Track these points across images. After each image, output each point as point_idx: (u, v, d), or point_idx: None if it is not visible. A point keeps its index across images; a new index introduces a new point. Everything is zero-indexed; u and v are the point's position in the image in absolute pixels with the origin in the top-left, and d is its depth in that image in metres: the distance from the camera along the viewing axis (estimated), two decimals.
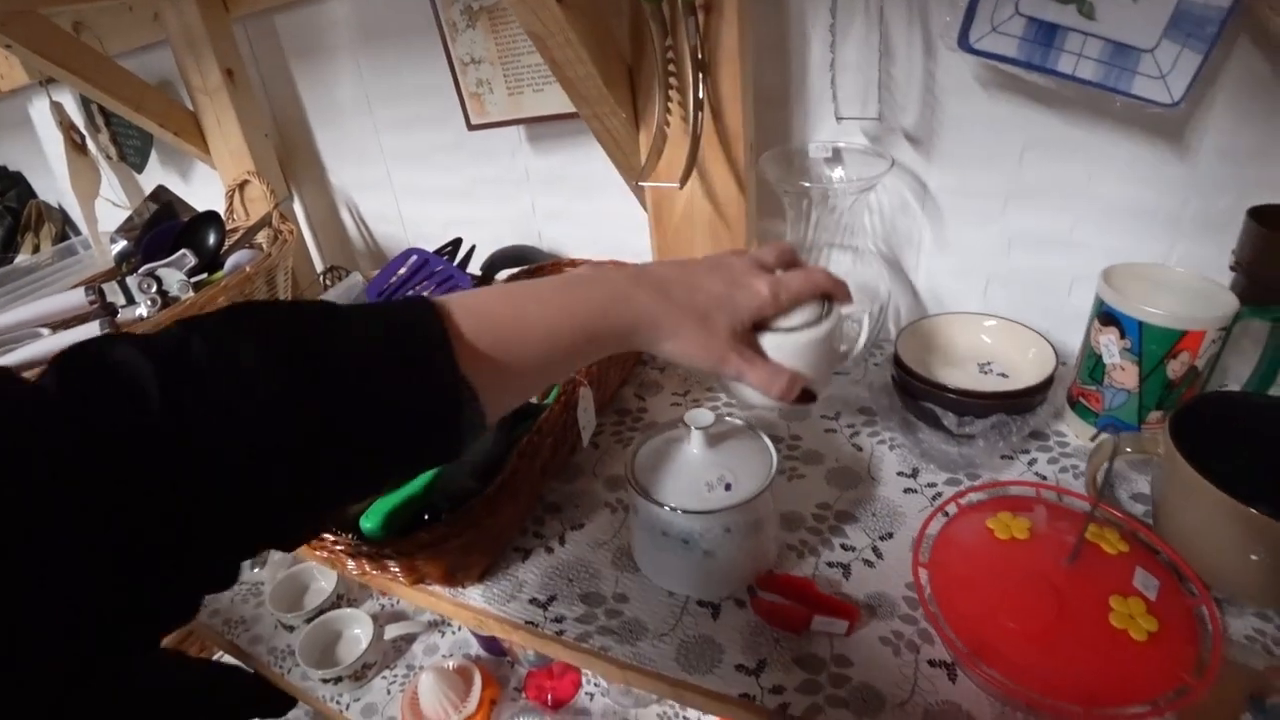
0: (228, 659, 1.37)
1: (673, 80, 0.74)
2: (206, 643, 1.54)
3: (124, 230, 1.15)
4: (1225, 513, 0.51)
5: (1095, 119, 0.74)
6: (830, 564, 0.62)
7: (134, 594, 0.32)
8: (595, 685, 1.16)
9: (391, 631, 1.29)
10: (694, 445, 0.58)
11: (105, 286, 0.92)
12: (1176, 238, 0.76)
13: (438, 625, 1.30)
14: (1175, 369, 0.65)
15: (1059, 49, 0.68)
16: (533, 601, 0.62)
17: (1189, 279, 0.68)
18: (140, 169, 1.33)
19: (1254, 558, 0.52)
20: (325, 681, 1.18)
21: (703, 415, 0.58)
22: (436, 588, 0.65)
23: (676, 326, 0.47)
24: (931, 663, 0.54)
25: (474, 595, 0.64)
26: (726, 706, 0.53)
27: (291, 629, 1.30)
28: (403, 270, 0.94)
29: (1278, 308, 0.63)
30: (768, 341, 0.54)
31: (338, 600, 1.33)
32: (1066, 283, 0.82)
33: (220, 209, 1.07)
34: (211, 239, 1.01)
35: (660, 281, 0.48)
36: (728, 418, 0.63)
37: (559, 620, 0.60)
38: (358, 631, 1.27)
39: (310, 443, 0.36)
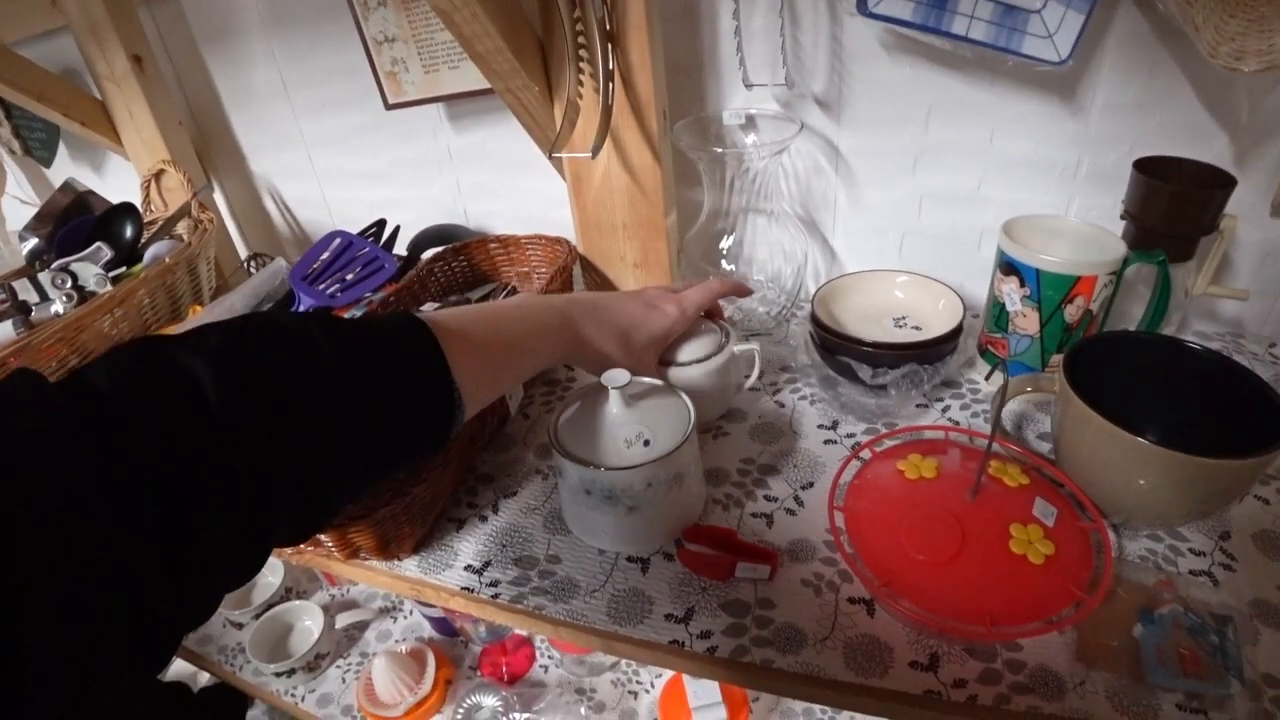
0: (178, 663, 1.35)
1: (583, 52, 0.75)
2: None
3: (33, 227, 1.11)
4: (1114, 442, 0.55)
5: (993, 80, 0.77)
6: (754, 515, 0.64)
7: (177, 587, 0.33)
8: (550, 658, 1.17)
9: (343, 620, 1.29)
10: (612, 405, 0.60)
11: (16, 284, 0.89)
12: (1074, 191, 0.80)
13: (389, 611, 1.30)
14: (1072, 313, 0.68)
15: (952, 11, 0.70)
16: (467, 568, 0.63)
17: (1082, 228, 0.72)
18: (48, 163, 1.28)
19: (1142, 483, 0.56)
20: (279, 675, 1.17)
21: (618, 375, 0.60)
22: (373, 561, 0.65)
23: (602, 344, 0.61)
24: (851, 600, 0.57)
25: (410, 566, 0.65)
26: (657, 654, 0.55)
27: (240, 626, 1.29)
28: (326, 254, 0.93)
29: (1160, 251, 0.67)
30: (672, 373, 0.69)
31: (286, 593, 1.32)
32: (976, 237, 0.85)
33: (136, 201, 1.04)
34: (129, 232, 0.99)
35: (590, 306, 0.61)
36: (639, 379, 0.64)
37: (494, 585, 0.61)
38: (308, 623, 1.26)
39: (344, 446, 0.40)
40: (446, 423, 0.48)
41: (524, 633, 1.19)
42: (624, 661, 1.13)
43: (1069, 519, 0.56)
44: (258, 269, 0.99)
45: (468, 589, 0.62)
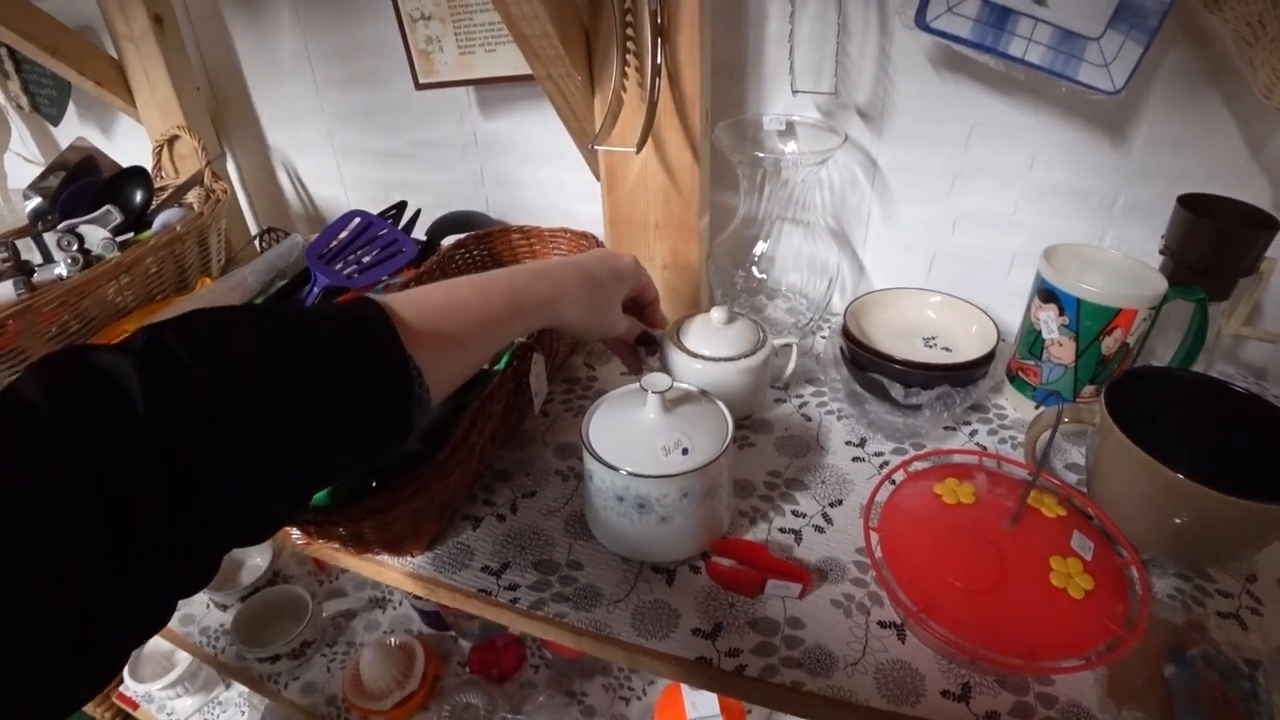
0: (156, 640, 1.32)
1: (630, 44, 0.73)
2: None
3: (38, 186, 1.07)
4: (1154, 477, 0.54)
5: (1038, 104, 0.76)
6: (782, 530, 0.63)
7: (123, 597, 0.32)
8: (540, 658, 1.16)
9: (330, 608, 1.26)
10: (650, 410, 0.58)
11: (20, 243, 0.86)
12: (1109, 222, 0.80)
13: (378, 601, 1.28)
14: (1109, 345, 0.68)
15: (1010, 32, 0.69)
16: (485, 569, 0.62)
17: (1122, 260, 0.72)
18: (56, 121, 1.24)
19: (1177, 521, 0.55)
20: (262, 660, 1.14)
21: (660, 379, 0.58)
22: (385, 557, 0.63)
23: (572, 289, 0.58)
24: (881, 624, 0.56)
25: (423, 564, 0.63)
26: (684, 670, 0.54)
27: (225, 608, 1.26)
28: (344, 233, 0.91)
29: (1200, 289, 0.67)
30: (712, 368, 0.68)
31: (273, 577, 1.29)
32: (1006, 261, 0.84)
33: (147, 165, 1.01)
34: (138, 197, 0.96)
35: (546, 263, 0.59)
36: (680, 384, 0.63)
37: (513, 588, 0.60)
38: (295, 608, 1.23)
39: (283, 432, 0.38)
40: (403, 404, 0.44)
41: (516, 632, 1.18)
42: (616, 666, 1.12)
43: (1104, 553, 0.55)
44: (270, 244, 0.96)
45: (485, 591, 0.60)
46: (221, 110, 1.18)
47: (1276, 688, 0.50)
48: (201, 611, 1.27)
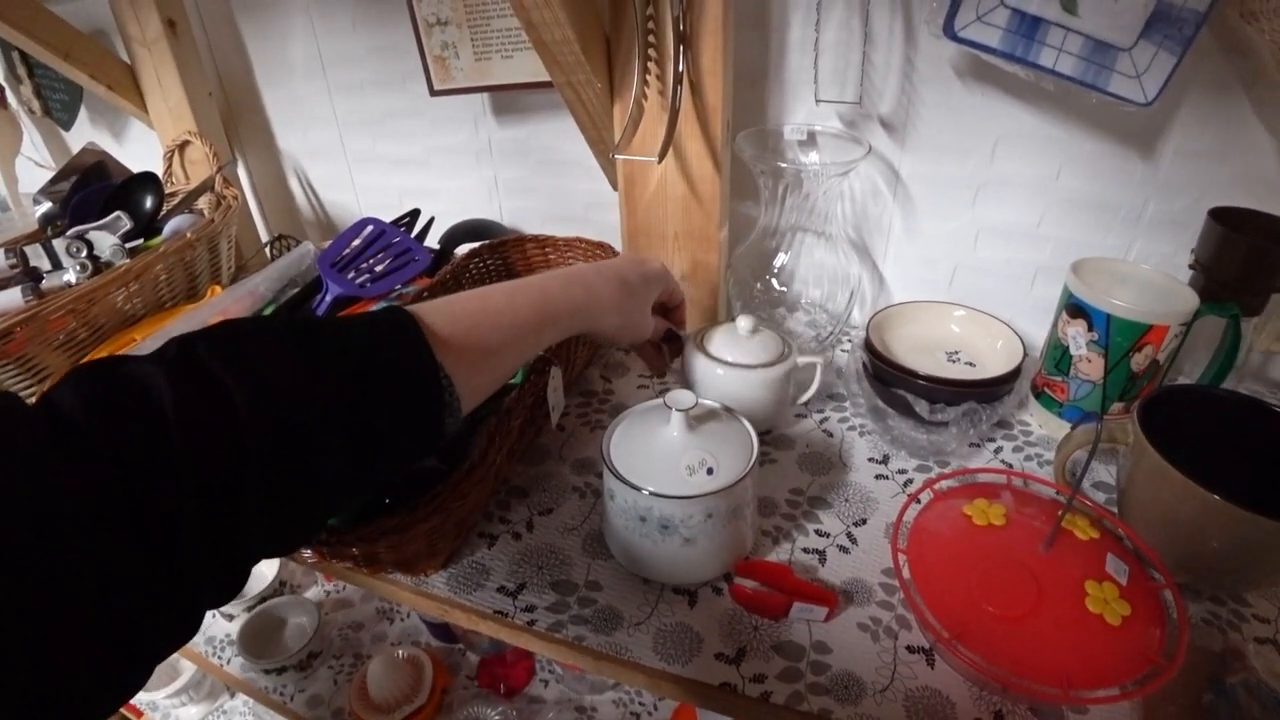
0: None
1: (652, 52, 0.72)
2: None
3: (48, 191, 1.06)
4: (1191, 499, 0.53)
5: (1066, 115, 0.75)
6: (806, 550, 0.62)
7: (157, 609, 0.32)
8: (550, 672, 1.14)
9: (338, 619, 1.25)
10: (674, 428, 0.57)
11: (28, 249, 0.85)
12: (1136, 235, 0.78)
13: (386, 613, 1.26)
14: (1139, 361, 0.66)
15: (1041, 42, 0.68)
16: (501, 590, 0.60)
17: (1151, 275, 0.70)
18: (68, 126, 1.23)
19: (1215, 545, 0.54)
20: (267, 672, 1.13)
21: (684, 396, 0.57)
22: (398, 575, 0.62)
23: (604, 292, 0.57)
24: (910, 649, 0.54)
25: (438, 583, 0.61)
26: (708, 697, 0.52)
27: (231, 618, 1.25)
28: (357, 241, 0.90)
29: (1234, 305, 0.65)
30: (734, 375, 0.67)
31: (280, 587, 1.28)
32: (1030, 274, 0.83)
33: (157, 171, 1.00)
34: (148, 202, 0.95)
35: (578, 268, 0.59)
36: (704, 401, 0.62)
37: (530, 610, 0.58)
38: (302, 619, 1.22)
39: (314, 443, 0.37)
40: (435, 413, 0.43)
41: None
42: None
43: (1139, 577, 0.53)
44: (281, 252, 0.95)
45: (501, 612, 0.58)
46: (233, 115, 1.17)
47: None
48: (207, 621, 1.25)
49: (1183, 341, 0.67)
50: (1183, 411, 0.60)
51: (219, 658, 1.19)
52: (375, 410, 0.40)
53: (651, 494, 0.53)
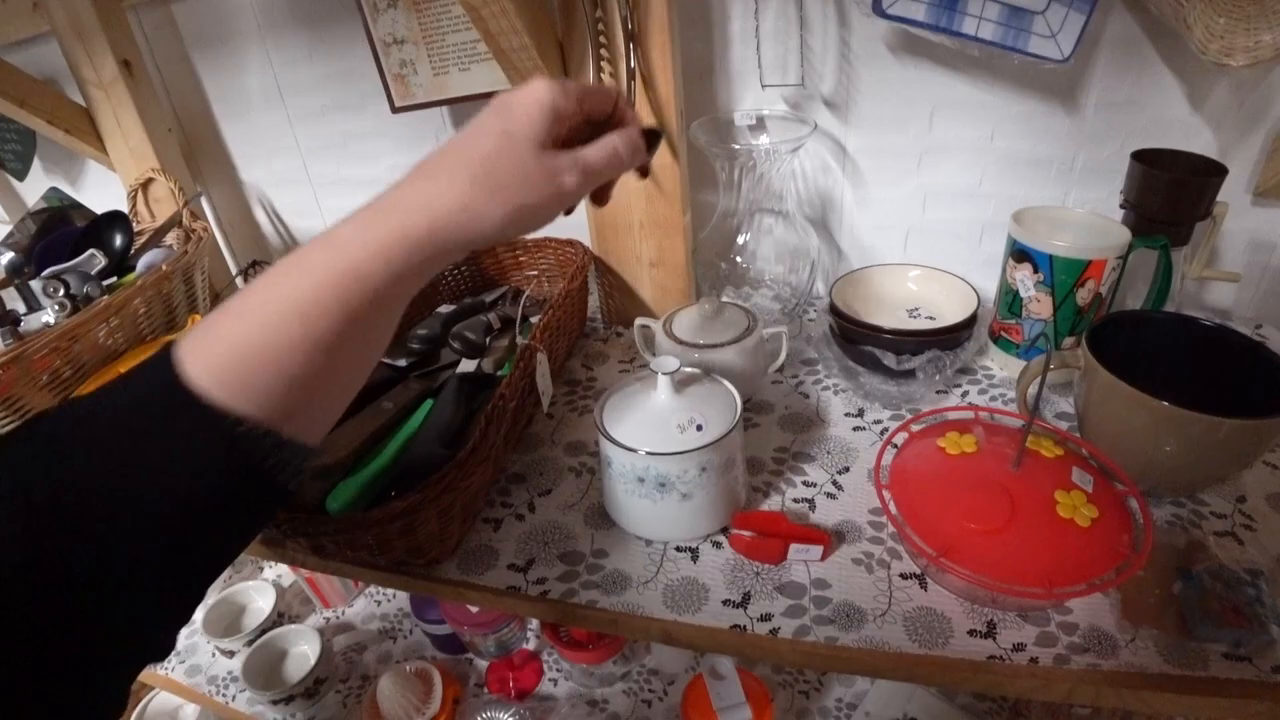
0: (164, 696, 1.29)
1: (604, 52, 0.76)
2: (136, 683, 1.44)
3: (8, 243, 1.06)
4: (1141, 409, 0.58)
5: (994, 79, 0.80)
6: (796, 500, 0.65)
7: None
8: (558, 670, 1.15)
9: (340, 643, 1.25)
10: (661, 392, 0.60)
11: (3, 293, 0.85)
12: (1070, 184, 0.84)
13: (388, 632, 1.27)
14: (1083, 296, 0.71)
15: (962, 12, 0.73)
16: (511, 567, 0.62)
17: (1086, 217, 0.76)
18: (22, 176, 1.22)
19: (1167, 449, 0.59)
20: (275, 703, 1.13)
21: (668, 361, 0.60)
22: (412, 567, 0.64)
23: (451, 194, 0.38)
24: (903, 575, 0.58)
25: (450, 570, 0.63)
26: (721, 639, 0.55)
27: (231, 654, 1.24)
28: None
29: (1162, 236, 0.71)
30: (703, 354, 0.68)
31: (279, 618, 1.27)
32: (978, 232, 0.88)
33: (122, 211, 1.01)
34: (118, 240, 0.96)
35: (434, 165, 0.40)
36: (686, 367, 0.65)
37: (541, 582, 0.61)
38: (304, 648, 1.22)
39: (109, 537, 0.33)
40: (238, 461, 0.35)
41: (531, 647, 1.17)
42: (635, 670, 1.12)
43: (1105, 487, 0.58)
44: (255, 277, 0.97)
45: (514, 588, 0.61)
46: (194, 150, 1.18)
47: (1279, 591, 0.53)
48: (208, 661, 1.25)
49: (1121, 274, 0.73)
50: (1127, 334, 0.65)
51: (224, 695, 1.18)
52: (178, 488, 0.34)
53: (647, 453, 0.56)
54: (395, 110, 0.94)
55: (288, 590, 1.33)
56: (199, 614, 1.28)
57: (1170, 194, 0.72)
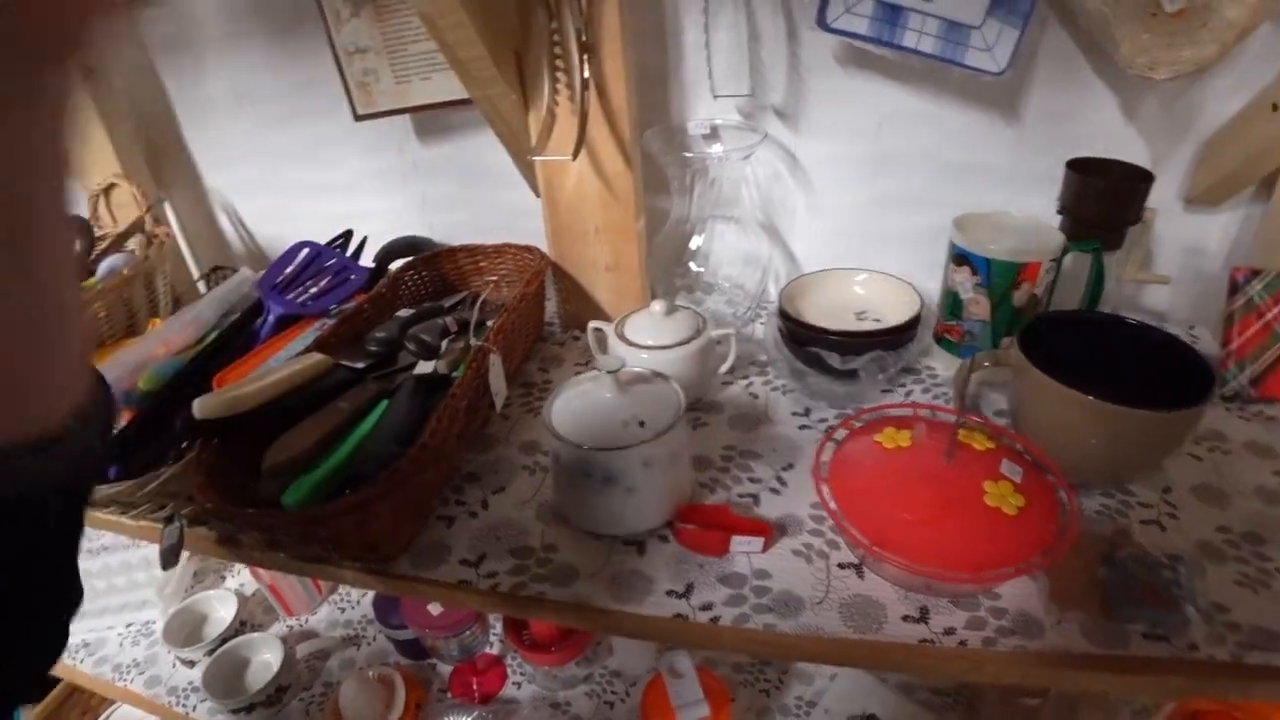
0: (125, 709, 1.28)
1: (559, 62, 0.78)
2: (95, 698, 1.42)
3: None
4: (1068, 404, 0.60)
5: (939, 91, 0.84)
6: (741, 495, 0.67)
7: None
8: (521, 674, 1.16)
9: (303, 650, 1.24)
10: (606, 390, 0.62)
11: None
12: (1013, 192, 0.87)
13: (352, 639, 1.26)
14: (1019, 298, 0.74)
15: (903, 27, 0.76)
16: (463, 562, 0.64)
17: (1024, 222, 0.79)
18: None
19: (1093, 441, 0.61)
20: (236, 712, 1.12)
21: (612, 360, 0.62)
22: (366, 563, 0.65)
23: None
24: (841, 565, 0.60)
25: (403, 565, 0.64)
26: (663, 628, 0.57)
27: (192, 664, 1.23)
28: (293, 266, 0.93)
29: (1095, 241, 0.74)
30: (653, 356, 0.70)
31: (241, 627, 1.27)
32: (926, 237, 0.91)
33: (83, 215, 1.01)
34: (79, 246, 0.96)
35: None
36: (631, 366, 0.67)
37: (492, 576, 0.62)
38: (267, 656, 1.21)
39: None
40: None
41: (495, 651, 1.18)
42: (597, 672, 1.13)
43: (1034, 478, 0.60)
44: (218, 283, 0.97)
45: (465, 582, 0.62)
46: (157, 156, 1.18)
47: (1196, 575, 0.56)
48: (168, 671, 1.23)
49: (1056, 277, 0.76)
50: (1058, 334, 0.68)
51: (184, 706, 1.17)
52: None
53: (592, 449, 0.58)
54: (358, 118, 0.96)
55: (250, 599, 1.32)
56: (159, 624, 1.27)
57: (1102, 200, 0.75)
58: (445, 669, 1.19)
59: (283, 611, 1.29)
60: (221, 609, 1.30)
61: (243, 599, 1.30)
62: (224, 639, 1.23)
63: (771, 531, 0.61)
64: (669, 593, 0.59)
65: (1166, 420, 0.58)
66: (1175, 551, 0.58)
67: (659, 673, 0.99)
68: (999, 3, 0.73)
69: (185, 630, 1.27)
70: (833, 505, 0.58)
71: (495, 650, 1.18)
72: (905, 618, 0.55)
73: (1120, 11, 0.70)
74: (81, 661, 1.25)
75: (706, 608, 0.57)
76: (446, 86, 0.91)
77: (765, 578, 0.59)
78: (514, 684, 1.15)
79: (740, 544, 0.60)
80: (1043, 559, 0.53)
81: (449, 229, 1.10)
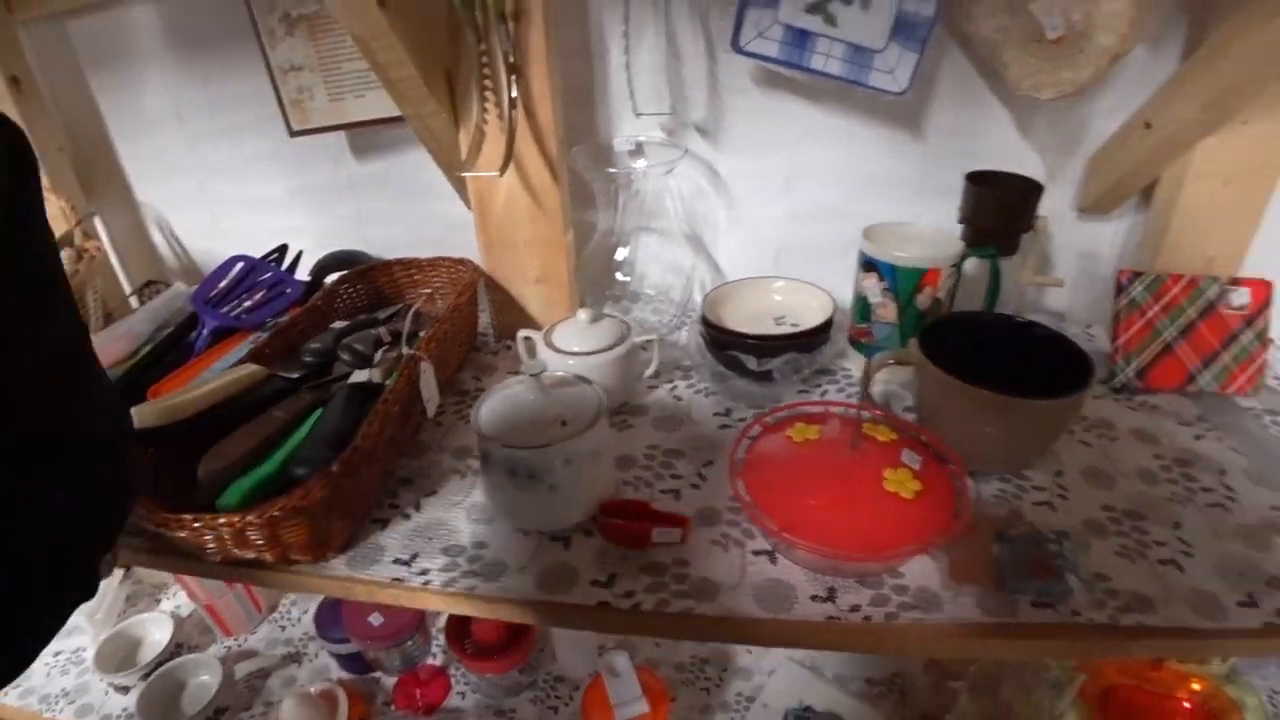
0: None
1: (488, 82, 0.81)
2: None
3: None
4: (962, 396, 0.65)
5: (850, 109, 0.89)
6: (663, 491, 0.71)
7: None
8: (465, 683, 1.17)
9: (242, 670, 1.23)
10: (529, 392, 0.65)
11: None
12: (921, 203, 0.93)
13: (293, 656, 1.25)
14: (923, 301, 0.79)
15: (811, 50, 0.81)
16: (396, 561, 0.65)
17: (928, 231, 0.84)
18: None
19: (987, 430, 0.66)
20: None
21: (536, 364, 0.65)
22: (302, 565, 0.66)
23: None
24: (755, 552, 0.63)
25: (339, 566, 0.66)
26: (587, 616, 0.60)
27: (126, 689, 1.20)
28: (224, 283, 0.94)
29: (991, 247, 0.80)
30: (579, 362, 0.72)
31: (177, 649, 1.24)
32: (843, 246, 0.96)
33: None
34: None
35: None
36: (554, 371, 0.70)
37: (424, 573, 0.64)
38: (205, 678, 1.20)
39: None
40: None
41: (438, 662, 1.18)
42: (540, 678, 1.15)
43: (933, 465, 0.65)
44: (151, 298, 0.97)
45: (398, 579, 0.64)
46: (87, 170, 1.17)
47: (1080, 549, 0.61)
48: (100, 699, 1.20)
49: (957, 281, 0.81)
50: (957, 333, 0.73)
51: None
52: None
53: (516, 448, 0.61)
54: (293, 134, 0.98)
55: (187, 620, 1.30)
56: (89, 650, 1.24)
57: (997, 210, 0.81)
58: (389, 681, 1.18)
59: (221, 632, 1.28)
60: (157, 632, 1.27)
61: (179, 621, 1.28)
62: (159, 662, 1.20)
63: (690, 523, 0.65)
64: (593, 583, 0.61)
65: (1050, 408, 0.64)
66: (1062, 528, 0.63)
67: (599, 673, 1.01)
68: (899, 29, 0.79)
69: (119, 656, 1.24)
70: (745, 496, 0.62)
71: (439, 661, 1.19)
72: (814, 598, 0.59)
73: (1008, 38, 0.77)
74: (6, 695, 1.21)
75: (628, 595, 0.60)
76: (380, 104, 0.93)
77: (684, 565, 0.62)
78: (458, 694, 1.16)
79: (660, 535, 0.63)
80: (936, 538, 0.58)
81: (385, 243, 1.12)
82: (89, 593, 0.39)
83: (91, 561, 0.40)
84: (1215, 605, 0.57)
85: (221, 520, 0.59)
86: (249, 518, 0.58)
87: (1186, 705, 0.99)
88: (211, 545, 0.64)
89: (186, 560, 0.68)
